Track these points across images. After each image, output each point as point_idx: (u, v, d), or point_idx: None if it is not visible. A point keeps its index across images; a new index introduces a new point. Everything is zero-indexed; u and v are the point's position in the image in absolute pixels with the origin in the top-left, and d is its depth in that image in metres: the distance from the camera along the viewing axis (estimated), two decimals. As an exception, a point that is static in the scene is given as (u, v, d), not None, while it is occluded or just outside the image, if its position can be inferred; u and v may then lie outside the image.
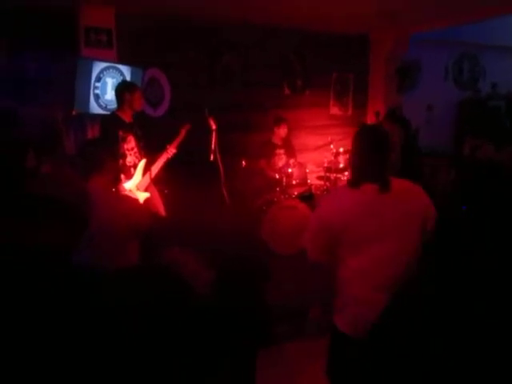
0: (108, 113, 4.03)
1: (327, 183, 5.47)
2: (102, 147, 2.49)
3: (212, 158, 4.13)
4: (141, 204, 3.47)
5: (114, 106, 3.96)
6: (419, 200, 1.93)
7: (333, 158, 5.29)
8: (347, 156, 5.74)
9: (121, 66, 4.39)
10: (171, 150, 3.93)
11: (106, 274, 1.52)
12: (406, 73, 6.38)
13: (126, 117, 3.71)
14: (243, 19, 5.05)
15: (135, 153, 3.75)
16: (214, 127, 4.17)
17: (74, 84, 4.14)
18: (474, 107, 6.93)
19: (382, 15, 5.02)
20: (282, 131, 5.14)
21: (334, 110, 6.40)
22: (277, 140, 5.21)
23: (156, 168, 3.88)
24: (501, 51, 7.14)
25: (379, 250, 1.84)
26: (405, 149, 4.79)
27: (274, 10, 4.73)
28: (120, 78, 4.31)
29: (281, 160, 5.13)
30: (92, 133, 4.40)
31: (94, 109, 4.27)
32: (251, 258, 1.86)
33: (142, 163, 3.73)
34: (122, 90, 3.73)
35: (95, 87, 4.25)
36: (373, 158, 1.89)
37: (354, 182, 1.91)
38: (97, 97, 4.28)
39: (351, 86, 6.41)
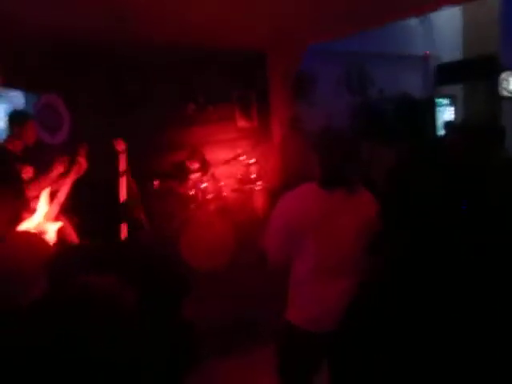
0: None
1: (242, 195, 5.57)
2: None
3: (121, 179, 4.01)
4: (46, 240, 3.25)
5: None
6: (370, 207, 2.06)
7: (245, 169, 5.40)
8: (258, 167, 5.93)
9: (14, 92, 4.12)
10: (73, 174, 3.73)
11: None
12: (301, 84, 6.73)
13: (16, 147, 3.49)
14: (142, 38, 4.99)
15: (34, 184, 3.51)
16: (120, 148, 4.06)
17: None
18: (364, 113, 7.49)
19: (274, 32, 5.27)
20: (193, 167, 5.16)
21: (241, 123, 6.55)
22: (192, 166, 5.20)
23: (62, 195, 3.66)
24: (386, 59, 7.84)
25: (328, 246, 1.97)
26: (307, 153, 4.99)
27: (170, 26, 4.74)
28: (12, 105, 4.04)
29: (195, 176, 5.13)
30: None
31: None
32: (172, 273, 1.83)
33: (46, 193, 3.50)
34: (12, 121, 3.54)
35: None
36: (343, 162, 2.00)
37: (326, 184, 1.99)
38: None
39: (254, 99, 6.61)
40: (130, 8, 3.94)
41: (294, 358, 2.13)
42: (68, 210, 3.79)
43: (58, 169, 3.64)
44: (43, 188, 3.53)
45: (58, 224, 3.50)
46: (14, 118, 3.57)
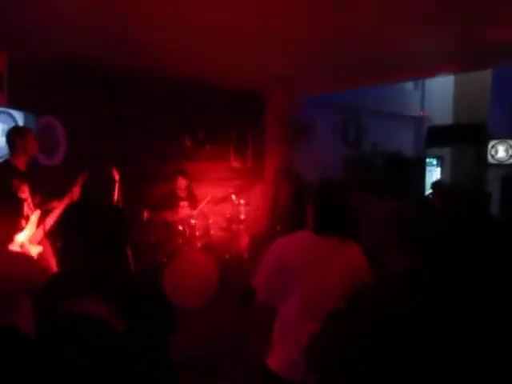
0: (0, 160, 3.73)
1: (229, 234, 5.55)
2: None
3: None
4: (34, 260, 3.19)
5: (5, 152, 3.68)
6: (359, 258, 2.12)
7: (234, 209, 5.41)
8: (247, 207, 5.95)
9: (13, 112, 4.13)
10: (66, 201, 3.71)
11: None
12: (298, 132, 6.88)
13: (21, 164, 3.48)
14: (147, 71, 5.11)
15: (29, 204, 3.48)
16: (116, 177, 4.06)
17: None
18: (357, 164, 7.64)
19: (275, 79, 5.46)
20: (179, 183, 5.12)
21: (235, 163, 6.62)
22: (181, 192, 5.17)
23: (51, 220, 3.61)
24: (381, 116, 8.12)
25: (315, 289, 1.99)
26: (297, 200, 5.06)
27: (177, 63, 4.88)
28: (12, 124, 4.04)
29: (184, 211, 5.09)
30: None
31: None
32: (163, 307, 1.81)
33: (36, 215, 3.46)
34: (13, 135, 3.52)
35: (-16, 133, 3.92)
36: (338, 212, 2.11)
37: (320, 230, 2.07)
38: (-15, 143, 3.93)
39: (250, 141, 6.72)
40: (138, 44, 4.07)
41: None
42: (53, 235, 3.73)
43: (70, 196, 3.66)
44: (34, 209, 3.50)
45: (39, 248, 3.45)
46: (16, 131, 3.58)
